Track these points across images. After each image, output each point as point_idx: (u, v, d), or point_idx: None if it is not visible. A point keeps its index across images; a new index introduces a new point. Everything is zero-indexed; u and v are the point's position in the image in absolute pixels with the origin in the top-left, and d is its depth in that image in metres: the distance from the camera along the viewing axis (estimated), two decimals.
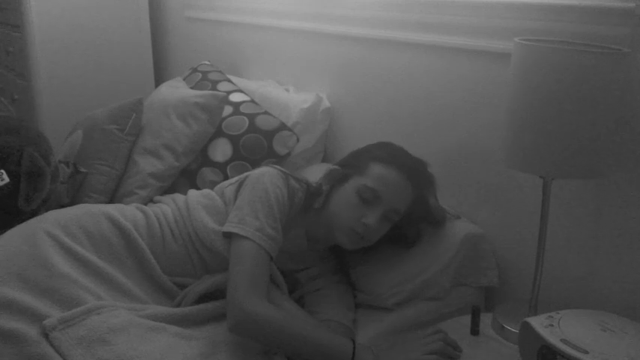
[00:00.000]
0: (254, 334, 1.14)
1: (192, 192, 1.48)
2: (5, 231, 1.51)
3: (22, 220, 1.41)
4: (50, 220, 1.29)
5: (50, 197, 1.64)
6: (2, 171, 1.52)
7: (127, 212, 1.37)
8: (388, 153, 1.35)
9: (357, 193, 1.30)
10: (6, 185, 1.52)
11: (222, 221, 1.32)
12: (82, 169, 1.78)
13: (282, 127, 1.84)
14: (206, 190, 1.47)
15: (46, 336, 1.08)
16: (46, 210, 1.54)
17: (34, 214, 1.52)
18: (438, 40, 1.56)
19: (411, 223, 1.40)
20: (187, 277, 1.33)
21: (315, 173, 1.82)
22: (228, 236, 1.27)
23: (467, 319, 1.26)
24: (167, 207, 1.43)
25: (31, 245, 1.22)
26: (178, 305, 1.28)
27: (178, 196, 1.49)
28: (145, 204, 1.55)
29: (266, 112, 1.90)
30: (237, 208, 1.28)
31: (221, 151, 1.82)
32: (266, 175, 1.31)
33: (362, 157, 1.37)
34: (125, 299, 1.22)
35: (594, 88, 1.06)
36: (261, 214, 1.25)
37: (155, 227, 1.35)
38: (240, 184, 1.35)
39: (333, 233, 1.34)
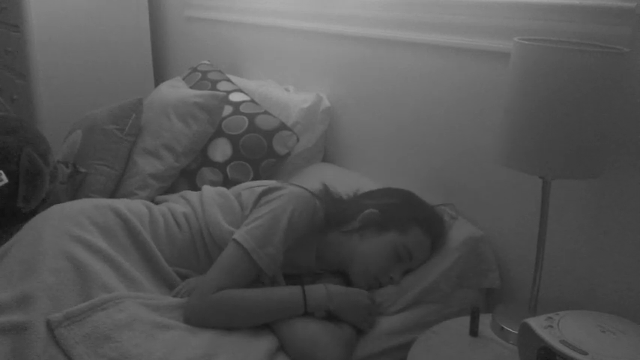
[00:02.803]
0: (209, 320, 1.20)
1: (206, 188, 1.50)
2: (4, 231, 1.51)
3: (22, 220, 1.41)
4: (56, 213, 1.31)
5: (49, 197, 1.64)
6: (1, 172, 1.52)
7: (133, 206, 1.40)
8: (428, 219, 1.38)
9: (394, 249, 1.33)
10: (5, 185, 1.52)
11: (235, 222, 1.36)
12: (82, 169, 1.78)
13: (282, 126, 1.84)
14: (221, 189, 1.49)
15: (51, 331, 1.08)
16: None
17: (33, 214, 1.51)
18: (438, 40, 1.55)
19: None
20: (190, 270, 1.36)
21: (315, 173, 1.83)
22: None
23: (466, 320, 1.26)
24: (176, 205, 1.46)
25: (40, 240, 1.23)
26: (176, 296, 1.30)
27: (190, 193, 1.51)
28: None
29: (266, 112, 1.89)
30: (254, 219, 1.30)
31: (221, 151, 1.82)
32: (294, 197, 1.32)
33: (405, 213, 1.37)
34: (133, 287, 1.24)
35: (594, 88, 1.05)
36: (274, 235, 1.27)
37: (159, 222, 1.38)
38: (263, 194, 1.36)
39: (348, 267, 1.36)
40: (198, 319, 1.20)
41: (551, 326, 1.03)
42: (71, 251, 1.22)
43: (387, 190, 1.47)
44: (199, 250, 1.37)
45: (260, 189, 1.38)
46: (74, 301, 1.15)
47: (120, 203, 1.39)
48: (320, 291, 1.26)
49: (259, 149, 1.81)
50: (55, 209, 1.34)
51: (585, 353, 0.95)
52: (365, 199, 1.43)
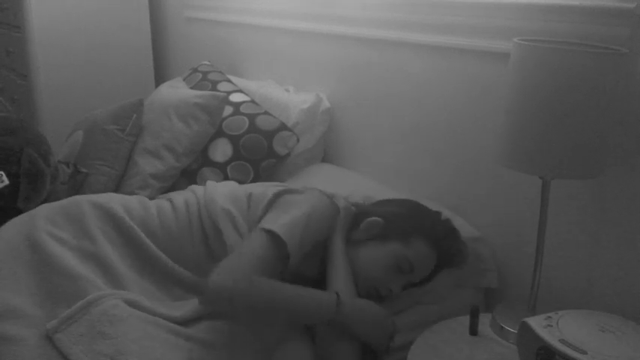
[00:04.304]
0: (236, 303, 1.12)
1: (211, 182, 1.48)
2: None
3: None
4: (41, 215, 1.29)
5: (50, 197, 1.64)
6: (2, 173, 1.52)
7: (118, 198, 1.37)
8: (435, 231, 1.32)
9: (395, 260, 1.29)
10: (6, 187, 1.52)
11: (237, 206, 1.33)
12: (83, 170, 1.78)
13: (283, 127, 1.85)
14: (231, 182, 1.48)
15: (50, 339, 1.08)
16: None
17: None
18: (438, 41, 1.56)
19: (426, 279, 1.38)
20: (182, 263, 1.31)
21: (315, 173, 1.83)
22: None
23: (466, 320, 1.26)
24: (178, 195, 1.43)
25: (26, 244, 1.22)
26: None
27: (196, 186, 1.48)
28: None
29: (266, 113, 1.90)
30: (285, 212, 1.24)
31: (221, 151, 1.83)
32: (322, 204, 1.29)
33: (409, 223, 1.33)
34: (120, 281, 1.22)
35: (594, 88, 1.06)
36: (308, 237, 1.23)
37: (152, 214, 1.34)
38: (285, 192, 1.32)
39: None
40: (223, 299, 1.11)
41: (551, 325, 1.03)
42: (51, 253, 1.20)
43: (396, 201, 1.43)
44: (195, 232, 1.31)
45: (276, 189, 1.34)
46: (62, 306, 1.14)
47: (102, 198, 1.35)
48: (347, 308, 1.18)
49: (259, 149, 1.82)
50: (42, 211, 1.31)
51: (584, 352, 0.96)
52: (373, 207, 1.40)
